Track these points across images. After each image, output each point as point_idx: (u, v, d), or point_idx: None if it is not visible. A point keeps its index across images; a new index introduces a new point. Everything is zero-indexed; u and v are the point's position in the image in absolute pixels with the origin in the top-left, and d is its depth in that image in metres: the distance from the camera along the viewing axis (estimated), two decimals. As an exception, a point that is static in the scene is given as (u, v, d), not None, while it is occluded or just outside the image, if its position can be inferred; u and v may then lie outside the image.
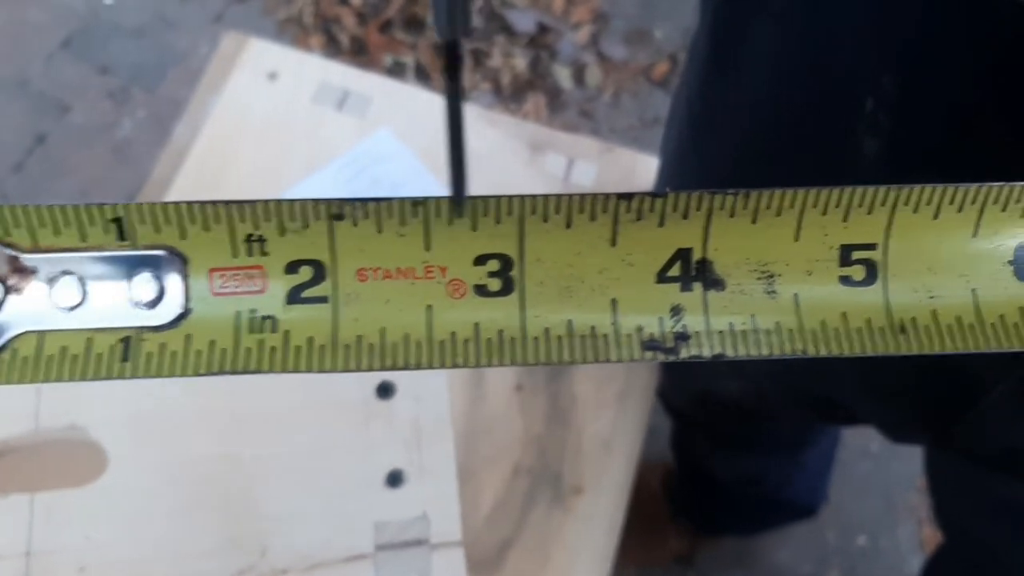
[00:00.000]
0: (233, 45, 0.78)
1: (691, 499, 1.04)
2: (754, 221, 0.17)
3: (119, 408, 0.45)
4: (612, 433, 0.64)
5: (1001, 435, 0.41)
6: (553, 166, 0.74)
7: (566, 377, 0.65)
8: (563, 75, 1.36)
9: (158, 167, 0.73)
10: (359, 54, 1.36)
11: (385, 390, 0.46)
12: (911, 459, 1.11)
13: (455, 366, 0.16)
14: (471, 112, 0.76)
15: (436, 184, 0.72)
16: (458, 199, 0.16)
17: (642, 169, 0.74)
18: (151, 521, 0.43)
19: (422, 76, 1.35)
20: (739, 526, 1.06)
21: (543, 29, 1.38)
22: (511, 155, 0.74)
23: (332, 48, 1.36)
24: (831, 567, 1.09)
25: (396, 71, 1.34)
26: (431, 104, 0.76)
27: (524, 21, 1.38)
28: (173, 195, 0.70)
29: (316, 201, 0.16)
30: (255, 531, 0.43)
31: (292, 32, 1.38)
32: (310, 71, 0.76)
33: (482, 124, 0.75)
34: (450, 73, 0.17)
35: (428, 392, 0.46)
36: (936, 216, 0.17)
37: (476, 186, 0.72)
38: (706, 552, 1.08)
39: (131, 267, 0.16)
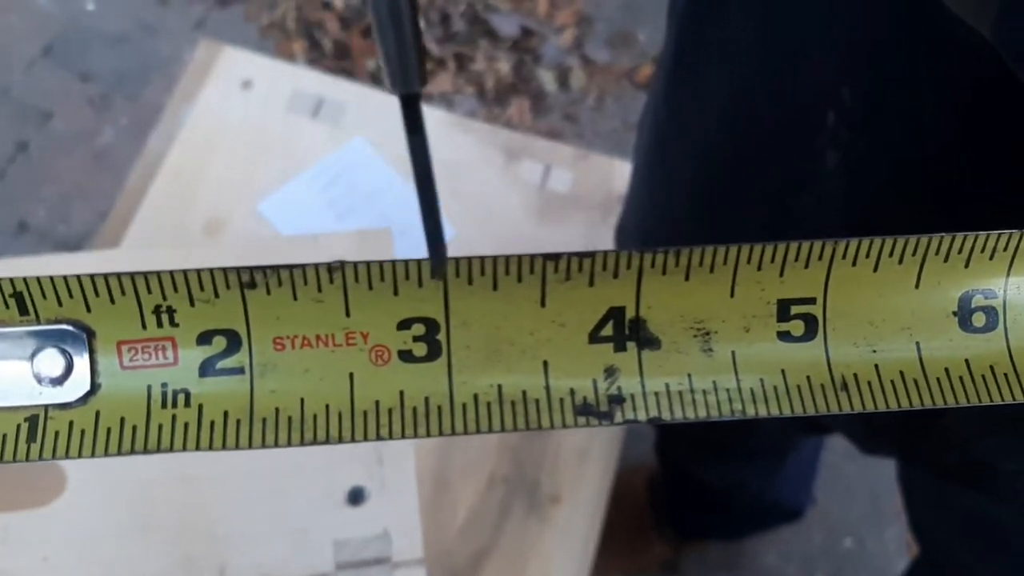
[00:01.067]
0: (207, 53, 0.77)
1: (676, 504, 1.04)
2: (687, 278, 0.16)
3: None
4: (589, 442, 0.63)
5: (965, 449, 0.41)
6: (529, 173, 0.74)
7: (546, 387, 0.65)
8: (547, 78, 1.35)
9: (132, 176, 0.72)
10: (342, 59, 1.35)
11: (347, 406, 0.46)
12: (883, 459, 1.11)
13: (379, 438, 0.15)
14: (445, 119, 0.76)
15: (411, 192, 0.71)
16: (436, 261, 0.15)
17: (619, 175, 0.73)
18: (109, 542, 0.43)
19: (403, 80, 1.34)
20: (724, 530, 1.06)
21: (526, 33, 1.38)
22: (486, 163, 0.73)
23: (315, 53, 1.35)
24: (817, 569, 1.09)
25: (379, 76, 1.33)
26: (407, 112, 0.76)
27: (507, 25, 1.38)
28: (147, 205, 0.70)
29: (225, 270, 0.15)
30: (213, 550, 0.43)
31: (275, 38, 1.37)
32: (284, 79, 0.76)
33: (456, 131, 0.75)
34: (412, 128, 0.16)
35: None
36: (876, 269, 0.16)
37: (451, 193, 0.71)
38: (692, 556, 1.08)
39: (35, 342, 0.15)
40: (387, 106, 0.76)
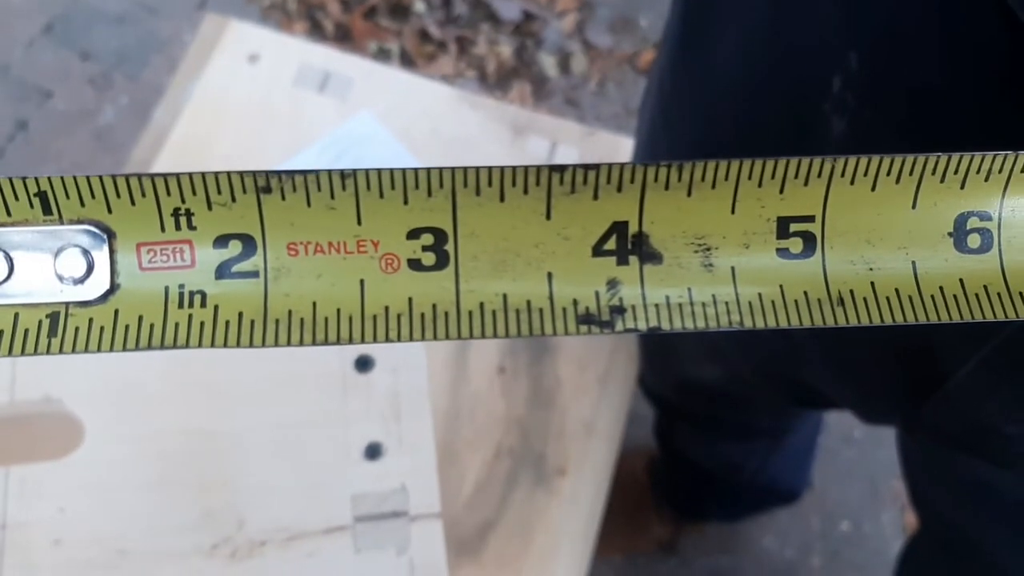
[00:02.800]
0: (214, 27, 0.77)
1: (674, 486, 1.04)
2: (689, 194, 0.16)
3: (96, 380, 0.45)
4: (595, 415, 0.64)
5: (966, 416, 0.41)
6: (536, 149, 0.74)
7: (549, 359, 0.65)
8: (548, 63, 1.35)
9: (137, 150, 0.73)
10: (343, 40, 1.35)
11: (364, 363, 0.46)
12: (895, 445, 1.11)
13: (388, 340, 0.16)
14: (452, 95, 0.76)
15: (418, 166, 0.72)
16: None
17: (625, 153, 0.74)
18: (127, 494, 0.43)
19: (407, 63, 1.35)
20: (722, 512, 1.06)
21: (528, 17, 1.38)
22: (493, 138, 0.74)
23: (316, 35, 1.35)
24: (814, 552, 1.10)
25: (381, 58, 1.34)
26: (412, 86, 0.76)
27: (509, 9, 1.38)
28: (151, 181, 0.70)
29: (243, 173, 0.16)
30: (232, 503, 0.43)
31: (276, 18, 1.37)
32: (291, 53, 0.76)
33: (464, 107, 0.75)
34: None
35: (406, 365, 0.46)
36: (873, 188, 0.17)
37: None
38: (690, 538, 1.09)
39: (58, 241, 0.16)
40: (394, 82, 0.76)
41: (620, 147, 0.74)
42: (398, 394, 0.45)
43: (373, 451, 0.44)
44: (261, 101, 0.73)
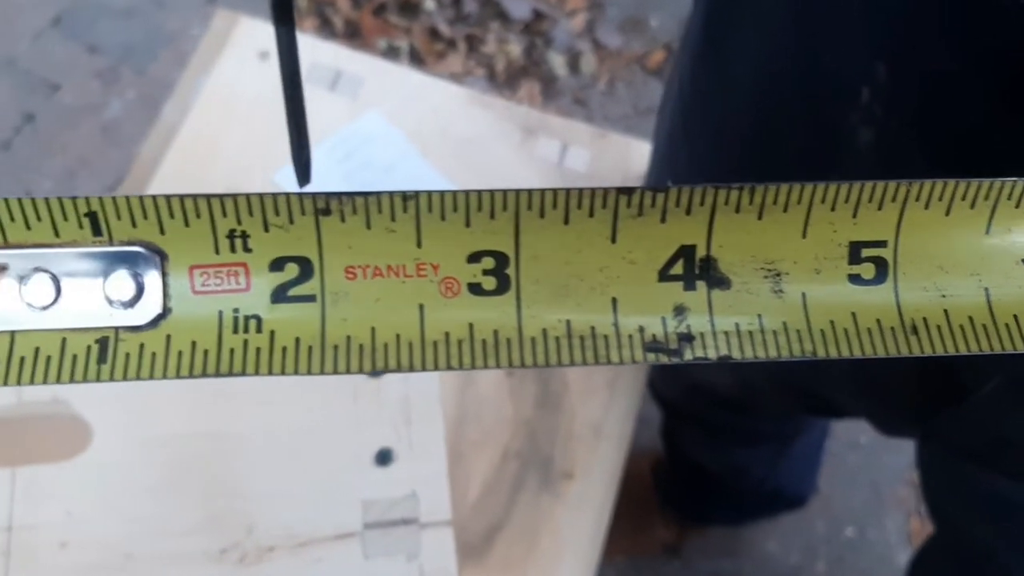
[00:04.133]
0: (224, 23, 0.76)
1: (680, 489, 1.04)
2: (760, 217, 0.16)
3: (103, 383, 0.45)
4: (603, 419, 0.63)
5: (987, 430, 0.41)
6: (546, 150, 0.73)
7: (558, 365, 0.65)
8: (557, 62, 1.35)
9: (146, 146, 0.72)
10: (353, 37, 1.34)
11: (374, 368, 0.46)
12: (900, 451, 1.11)
13: (449, 368, 0.15)
14: (462, 94, 0.75)
15: (427, 166, 0.71)
16: (300, 167, 0.15)
17: (636, 155, 0.73)
18: (134, 497, 0.43)
19: (416, 60, 1.34)
20: (727, 516, 1.06)
21: (538, 16, 1.37)
22: (503, 139, 0.73)
23: (326, 31, 1.35)
24: (819, 558, 1.09)
25: (390, 55, 1.33)
26: (423, 86, 0.75)
27: (519, 7, 1.37)
28: (161, 174, 0.69)
29: (302, 195, 0.15)
30: (241, 509, 0.43)
31: (283, 14, 1.36)
32: (302, 51, 0.75)
33: (474, 107, 0.74)
34: (280, 18, 0.15)
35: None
36: (948, 212, 0.16)
37: (467, 170, 0.71)
38: (694, 541, 1.09)
39: (107, 264, 0.15)
40: (404, 81, 0.75)
41: (632, 150, 0.74)
42: (409, 399, 0.45)
43: (384, 457, 0.44)
44: (271, 98, 0.73)
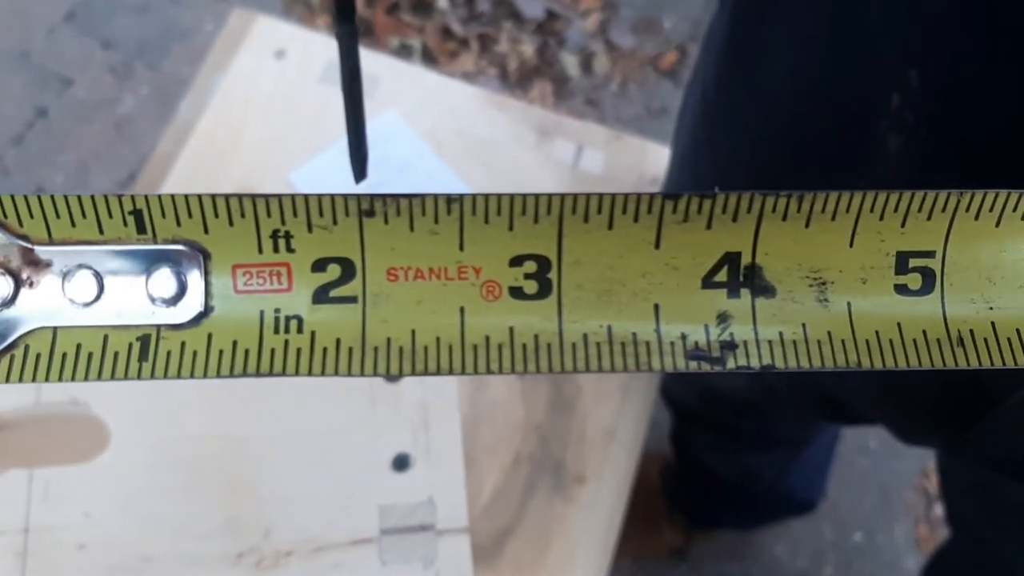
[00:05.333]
0: (240, 22, 0.76)
1: (688, 492, 1.04)
2: (807, 225, 0.16)
3: (123, 384, 0.44)
4: (616, 423, 0.63)
5: (1014, 442, 0.41)
6: (561, 153, 0.73)
7: (570, 367, 0.65)
8: (570, 63, 1.35)
9: (162, 143, 0.72)
10: (366, 36, 1.34)
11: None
12: (909, 457, 1.11)
13: (489, 372, 0.15)
14: (478, 95, 0.75)
15: (442, 166, 0.71)
16: (357, 162, 0.15)
17: (651, 158, 0.73)
18: (152, 500, 0.43)
19: (429, 59, 1.34)
20: (736, 520, 1.06)
21: (551, 16, 1.37)
22: (518, 140, 0.73)
23: (337, 28, 1.35)
24: (826, 562, 1.09)
25: (403, 54, 1.33)
26: (438, 86, 0.75)
27: (532, 7, 1.37)
28: (177, 172, 0.69)
29: (346, 197, 0.15)
30: (258, 512, 0.43)
31: (298, 12, 1.37)
32: (318, 50, 0.75)
33: (490, 108, 0.74)
34: (343, 15, 0.15)
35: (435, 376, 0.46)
36: (998, 224, 0.16)
37: (483, 170, 0.71)
38: (702, 545, 1.08)
39: (150, 262, 0.15)
40: (419, 81, 0.75)
41: (647, 152, 0.74)
42: (427, 405, 0.45)
43: (401, 462, 0.44)
44: (287, 97, 0.73)
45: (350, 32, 0.15)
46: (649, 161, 0.73)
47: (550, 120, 0.75)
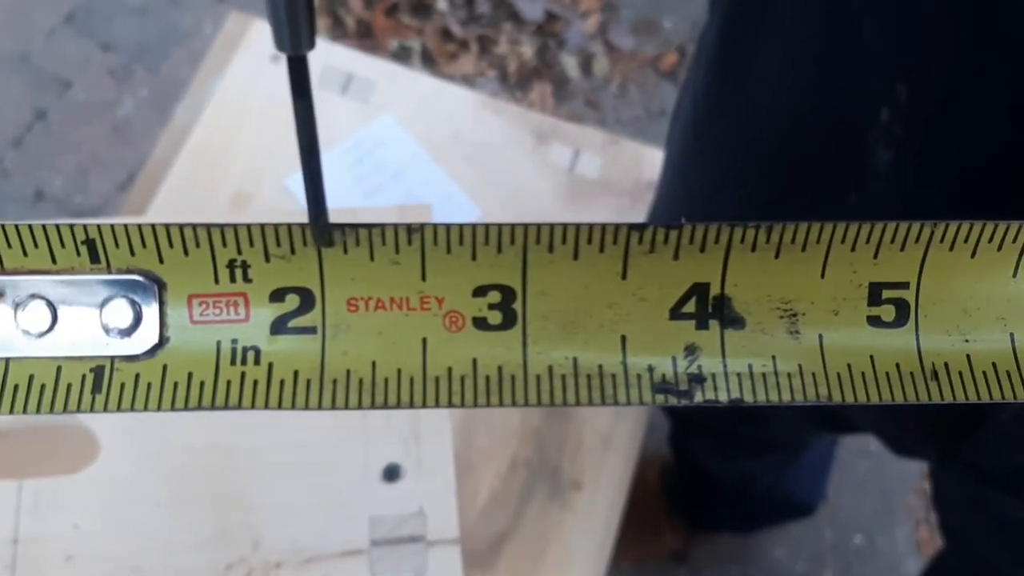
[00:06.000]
0: (237, 26, 0.76)
1: (687, 495, 1.04)
2: (777, 256, 0.15)
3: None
4: (612, 429, 0.63)
5: (1007, 457, 0.40)
6: (558, 157, 0.73)
7: (566, 373, 0.64)
8: (570, 64, 1.34)
9: (159, 147, 0.72)
10: (365, 37, 1.34)
11: (383, 381, 0.45)
12: (910, 460, 1.10)
13: (451, 405, 0.15)
14: (474, 99, 0.75)
15: (439, 171, 0.71)
16: (319, 228, 0.15)
17: (648, 162, 0.73)
18: (141, 511, 0.43)
19: (428, 61, 1.34)
20: (735, 523, 1.06)
21: (551, 17, 1.37)
22: (515, 145, 0.73)
23: (338, 31, 1.35)
24: (826, 566, 1.09)
25: (402, 56, 1.33)
26: (435, 90, 0.75)
27: (532, 9, 1.37)
28: (173, 176, 0.69)
29: (303, 226, 0.15)
30: (247, 523, 0.43)
31: (297, 12, 1.36)
32: (314, 54, 0.74)
33: (486, 112, 0.74)
34: (299, 91, 0.15)
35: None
36: (973, 255, 0.16)
37: (479, 175, 0.71)
38: (701, 548, 1.08)
39: (104, 292, 0.15)
40: (416, 85, 0.75)
41: (644, 157, 0.73)
42: (418, 415, 0.45)
43: (391, 473, 0.43)
44: (283, 101, 0.72)
45: (306, 107, 0.14)
46: (646, 165, 0.73)
47: (547, 124, 0.74)
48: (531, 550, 0.60)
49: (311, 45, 0.14)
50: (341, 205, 0.67)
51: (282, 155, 0.70)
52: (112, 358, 0.15)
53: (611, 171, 0.72)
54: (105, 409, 0.15)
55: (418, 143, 0.72)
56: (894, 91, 0.33)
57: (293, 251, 0.15)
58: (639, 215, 0.66)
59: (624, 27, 1.38)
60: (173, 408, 0.15)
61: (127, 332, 0.15)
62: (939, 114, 0.33)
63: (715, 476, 0.94)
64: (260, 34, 0.75)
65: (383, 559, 0.42)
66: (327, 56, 0.75)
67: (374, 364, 0.15)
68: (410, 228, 0.15)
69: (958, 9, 0.30)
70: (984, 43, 0.30)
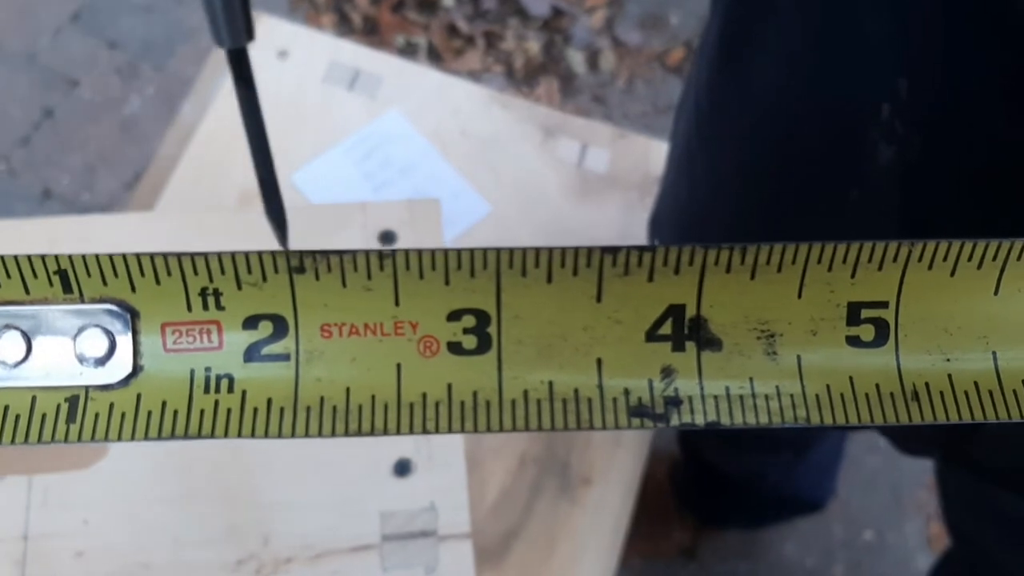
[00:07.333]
0: (240, 24, 0.76)
1: (696, 492, 1.03)
2: (752, 277, 0.15)
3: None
4: (620, 425, 0.63)
5: (1012, 454, 0.40)
6: (566, 151, 0.73)
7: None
8: (576, 60, 1.34)
9: (164, 145, 0.72)
10: (371, 34, 1.34)
11: (394, 374, 0.45)
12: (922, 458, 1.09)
13: (425, 431, 0.15)
14: (482, 94, 0.75)
15: (447, 166, 0.71)
16: (274, 214, 0.15)
17: (656, 156, 0.72)
18: (151, 507, 0.43)
19: (434, 57, 1.33)
20: (744, 519, 1.05)
21: (557, 13, 1.36)
22: (523, 139, 0.72)
23: (344, 28, 1.34)
24: (836, 561, 1.08)
25: (408, 52, 1.32)
26: (442, 85, 0.75)
27: (538, 4, 1.36)
28: (179, 174, 0.69)
29: (275, 253, 0.15)
30: (257, 519, 0.43)
31: (304, 11, 1.36)
32: (321, 50, 0.75)
33: (494, 107, 0.74)
34: (243, 81, 0.15)
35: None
36: (953, 273, 0.15)
37: (487, 170, 0.71)
38: (710, 544, 1.08)
39: (78, 321, 0.15)
40: (423, 80, 0.75)
41: (652, 150, 0.73)
42: (429, 409, 0.44)
43: (402, 467, 0.43)
44: (290, 97, 0.73)
45: (251, 96, 0.15)
46: (654, 159, 0.72)
47: (554, 118, 0.74)
48: (541, 546, 0.60)
49: (250, 36, 0.14)
50: (346, 200, 0.67)
51: (289, 151, 0.70)
52: (86, 388, 0.15)
53: (619, 165, 0.72)
54: (79, 439, 0.15)
55: (426, 138, 0.72)
56: (895, 86, 0.32)
57: (265, 278, 0.15)
58: (647, 209, 0.65)
59: (631, 22, 1.37)
60: (147, 438, 0.15)
61: (101, 361, 0.15)
62: (940, 109, 0.32)
63: (724, 472, 0.93)
64: (266, 30, 0.75)
65: (394, 554, 0.42)
66: (333, 51, 0.75)
67: (348, 390, 0.15)
68: (381, 254, 0.15)
69: (958, 3, 0.30)
70: (984, 38, 0.29)
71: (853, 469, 1.10)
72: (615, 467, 0.61)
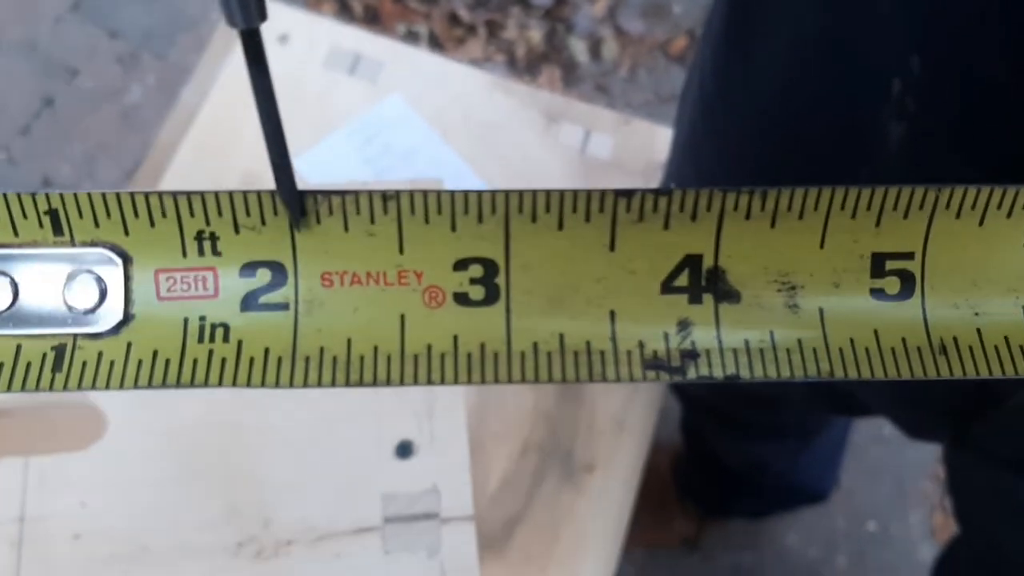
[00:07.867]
0: (241, 9, 0.76)
1: (699, 482, 1.03)
2: (773, 225, 0.14)
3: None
4: (625, 412, 0.62)
5: (1021, 438, 0.39)
6: (569, 137, 0.72)
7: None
8: (579, 48, 1.33)
9: (164, 131, 0.71)
10: (372, 23, 1.33)
11: (396, 356, 0.45)
12: (925, 446, 1.09)
13: (430, 383, 0.14)
14: (484, 79, 0.74)
15: (449, 151, 0.70)
16: (293, 205, 0.14)
17: (660, 142, 0.71)
18: (149, 489, 0.42)
19: (435, 46, 1.33)
20: (747, 510, 1.05)
21: (559, 1, 1.35)
22: (526, 125, 0.72)
23: (345, 16, 1.34)
24: (839, 552, 1.08)
25: (409, 40, 1.32)
26: (444, 70, 0.74)
27: (541, -9, 1.35)
28: (179, 160, 0.69)
29: (274, 193, 0.14)
30: (258, 501, 0.42)
31: (304, -1, 1.36)
32: (322, 35, 0.74)
33: (496, 92, 0.73)
34: (256, 61, 0.15)
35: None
36: (982, 223, 0.15)
37: (489, 156, 0.70)
38: (713, 534, 1.07)
39: (68, 266, 0.14)
40: (424, 65, 0.74)
41: (656, 136, 0.72)
42: (432, 391, 0.44)
43: (405, 449, 0.43)
44: (290, 83, 0.72)
45: (264, 77, 0.14)
46: (658, 145, 0.72)
47: (557, 104, 0.73)
48: (543, 533, 0.59)
49: (263, 17, 0.14)
50: (352, 185, 0.66)
51: (290, 136, 0.69)
52: (75, 336, 0.14)
53: (623, 151, 0.71)
54: (64, 388, 0.14)
55: (427, 123, 0.71)
56: (907, 62, 0.32)
57: (264, 222, 0.14)
58: (649, 197, 0.65)
59: (633, 11, 1.36)
60: (136, 386, 0.14)
61: (91, 309, 0.14)
62: (952, 87, 0.32)
63: (727, 462, 0.93)
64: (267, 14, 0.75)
65: (396, 536, 0.42)
66: (334, 36, 0.74)
67: (349, 341, 0.14)
68: (385, 195, 0.14)
69: None
70: (994, 12, 0.29)
71: (857, 459, 1.10)
72: (618, 454, 0.61)
